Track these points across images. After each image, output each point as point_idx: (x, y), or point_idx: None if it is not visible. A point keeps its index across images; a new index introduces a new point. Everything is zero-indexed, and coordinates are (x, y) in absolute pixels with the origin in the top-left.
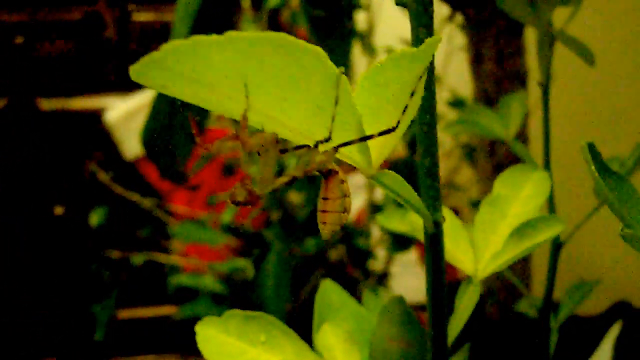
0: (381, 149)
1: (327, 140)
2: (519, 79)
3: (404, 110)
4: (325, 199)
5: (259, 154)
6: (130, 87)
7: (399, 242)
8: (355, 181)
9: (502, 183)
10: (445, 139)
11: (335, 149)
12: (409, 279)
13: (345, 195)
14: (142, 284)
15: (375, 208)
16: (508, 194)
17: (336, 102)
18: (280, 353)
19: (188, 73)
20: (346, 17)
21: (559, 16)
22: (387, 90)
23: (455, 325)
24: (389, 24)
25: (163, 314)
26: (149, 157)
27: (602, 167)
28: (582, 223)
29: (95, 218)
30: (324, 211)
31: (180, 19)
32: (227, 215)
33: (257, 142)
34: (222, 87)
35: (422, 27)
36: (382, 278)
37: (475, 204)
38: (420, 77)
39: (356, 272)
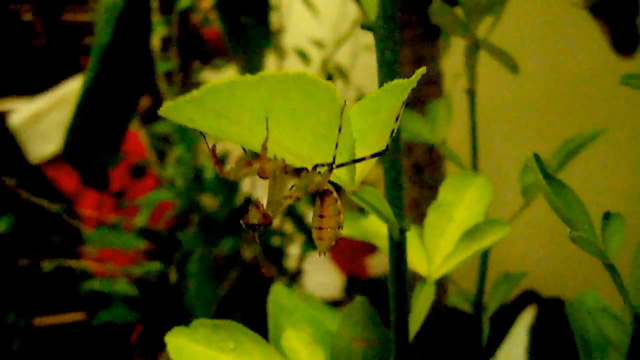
0: (363, 167)
1: (329, 164)
2: (435, 83)
3: (391, 134)
4: (321, 216)
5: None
6: (35, 89)
7: None
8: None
9: (447, 189)
10: None
11: (331, 170)
12: (320, 276)
13: (340, 212)
14: (54, 291)
15: (290, 211)
16: (453, 199)
17: (339, 131)
18: (250, 359)
19: (219, 109)
20: (264, 20)
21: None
22: (378, 117)
23: (414, 323)
24: (298, 25)
25: (77, 320)
26: (70, 162)
27: (547, 176)
28: (511, 221)
29: (1, 225)
30: (320, 228)
31: (104, 21)
32: (141, 218)
33: (272, 168)
34: (246, 120)
35: (389, 50)
36: (295, 276)
37: None
38: (404, 103)
39: (270, 270)
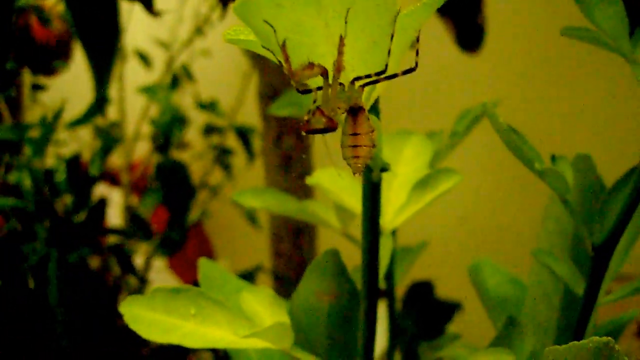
0: (377, 87)
1: (381, 72)
2: None
3: (417, 53)
4: (355, 134)
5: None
6: None
7: (167, 245)
8: (114, 197)
9: (385, 148)
10: (196, 141)
11: (374, 82)
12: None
13: (373, 130)
14: None
15: (135, 217)
16: (392, 156)
17: (392, 38)
18: (214, 324)
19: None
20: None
21: None
22: (406, 36)
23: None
24: (138, 25)
25: None
26: None
27: (510, 128)
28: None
29: None
30: (355, 146)
31: None
32: None
33: (339, 68)
34: (330, 11)
35: None
36: (141, 285)
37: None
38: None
39: (117, 279)
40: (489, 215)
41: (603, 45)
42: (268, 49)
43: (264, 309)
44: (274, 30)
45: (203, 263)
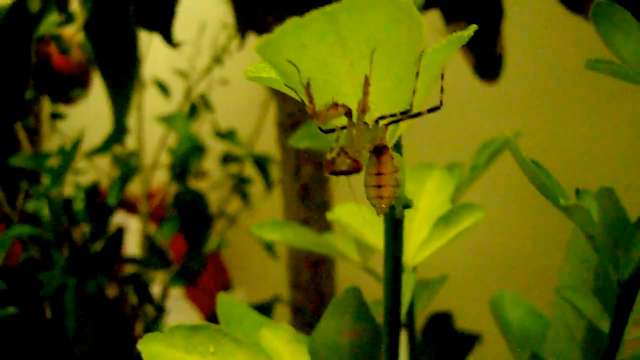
0: (401, 126)
1: (406, 111)
2: None
3: (442, 91)
4: (379, 174)
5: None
6: None
7: (185, 274)
8: (133, 225)
9: (406, 181)
10: (214, 170)
11: (388, 125)
12: (180, 316)
13: (397, 169)
14: None
15: (153, 246)
16: (414, 189)
17: (417, 76)
18: None
19: (342, 29)
20: (133, 45)
21: None
22: (431, 73)
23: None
24: (157, 55)
25: None
26: None
27: (533, 162)
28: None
29: None
30: (379, 186)
31: None
32: None
33: (364, 108)
34: (356, 50)
35: None
36: (157, 315)
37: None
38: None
39: (134, 308)
40: (508, 247)
41: (627, 78)
42: (291, 88)
43: (284, 346)
44: (298, 70)
45: (221, 298)
